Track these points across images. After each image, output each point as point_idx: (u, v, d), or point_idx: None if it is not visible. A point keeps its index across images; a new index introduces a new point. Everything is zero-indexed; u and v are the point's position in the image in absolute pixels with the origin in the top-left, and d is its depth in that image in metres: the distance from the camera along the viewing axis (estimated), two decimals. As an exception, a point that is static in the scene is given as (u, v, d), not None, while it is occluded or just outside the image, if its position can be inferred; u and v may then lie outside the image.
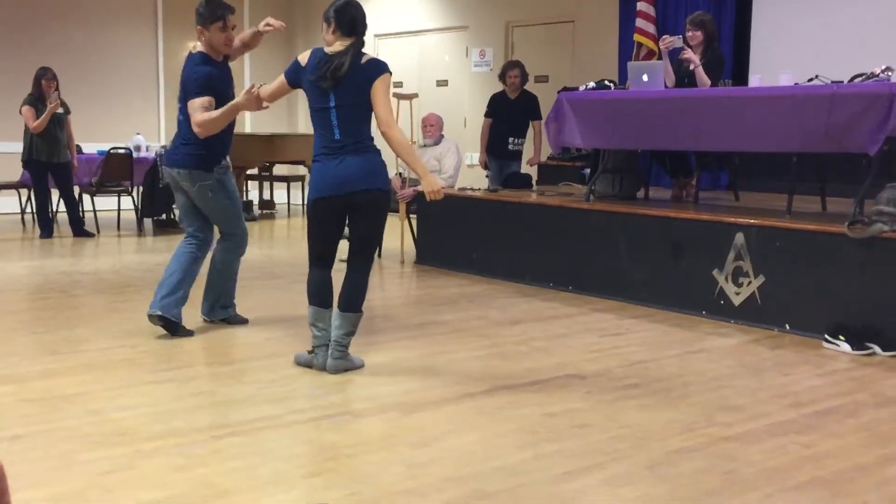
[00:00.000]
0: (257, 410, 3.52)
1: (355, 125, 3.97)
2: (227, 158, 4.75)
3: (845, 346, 4.62)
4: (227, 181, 4.72)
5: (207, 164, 4.60)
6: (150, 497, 2.69)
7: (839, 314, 4.76)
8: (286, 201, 11.90)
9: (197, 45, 4.63)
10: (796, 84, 5.46)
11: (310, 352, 4.13)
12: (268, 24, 4.62)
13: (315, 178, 4.01)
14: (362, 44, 4.02)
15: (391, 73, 4.05)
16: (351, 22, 3.95)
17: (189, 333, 4.65)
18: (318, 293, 4.09)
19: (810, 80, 5.43)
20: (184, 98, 4.58)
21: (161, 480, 2.81)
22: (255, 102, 4.24)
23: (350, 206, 3.99)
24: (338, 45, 3.95)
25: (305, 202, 4.26)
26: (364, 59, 3.97)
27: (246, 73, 12.26)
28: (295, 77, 4.04)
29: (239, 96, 4.30)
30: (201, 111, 4.40)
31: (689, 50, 6.28)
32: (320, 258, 4.12)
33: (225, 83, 4.62)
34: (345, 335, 4.04)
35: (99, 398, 3.63)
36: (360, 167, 3.95)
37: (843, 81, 5.20)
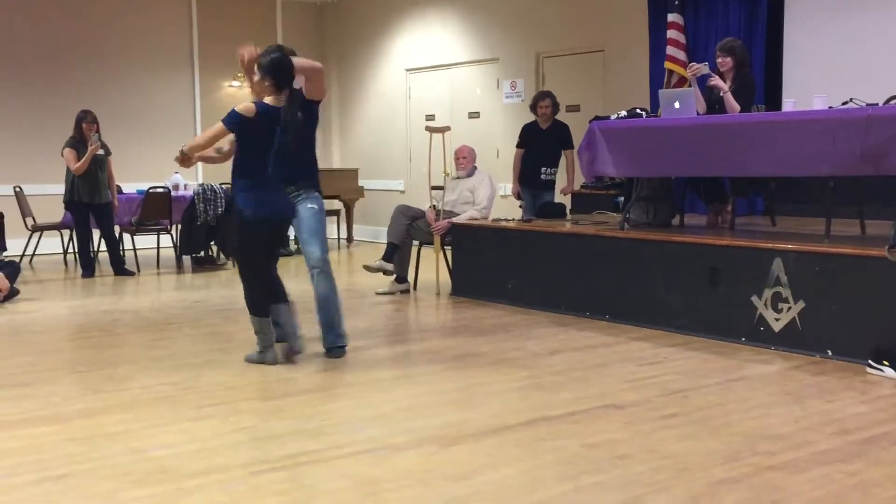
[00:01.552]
0: (297, 446, 3.53)
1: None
2: None
3: (890, 372, 4.54)
4: None
5: None
6: (192, 534, 2.71)
7: (882, 338, 4.68)
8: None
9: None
10: (831, 108, 5.43)
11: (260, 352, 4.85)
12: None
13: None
14: None
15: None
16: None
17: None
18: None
19: (844, 103, 5.39)
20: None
21: (203, 517, 2.83)
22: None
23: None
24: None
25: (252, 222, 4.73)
26: None
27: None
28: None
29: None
30: None
31: (717, 77, 6.28)
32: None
33: None
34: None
35: (141, 436, 3.67)
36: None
37: (878, 104, 5.15)
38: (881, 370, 4.57)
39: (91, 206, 8.69)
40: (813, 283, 5.05)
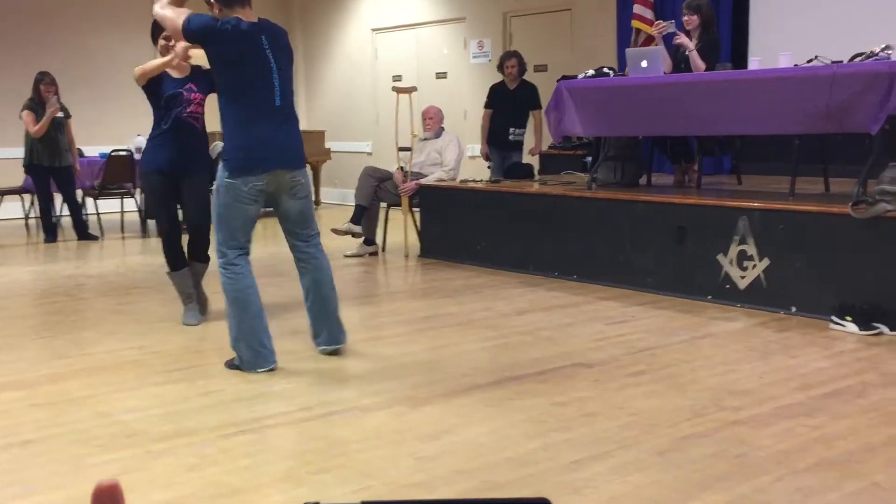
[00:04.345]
0: (266, 408, 3.52)
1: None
2: None
3: (852, 327, 4.61)
4: None
5: None
6: (161, 498, 2.70)
7: (845, 295, 4.75)
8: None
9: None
10: (796, 65, 5.44)
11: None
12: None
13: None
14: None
15: None
16: None
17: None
18: None
19: (810, 61, 5.40)
20: (290, 77, 4.12)
21: (172, 481, 2.82)
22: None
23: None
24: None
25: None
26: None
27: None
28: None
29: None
30: None
31: (683, 34, 6.27)
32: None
33: None
34: None
35: (107, 400, 3.64)
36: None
37: (842, 61, 5.18)
38: (843, 326, 4.65)
39: (51, 169, 8.54)
40: (778, 241, 5.10)
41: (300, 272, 4.21)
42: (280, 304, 5.44)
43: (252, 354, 4.00)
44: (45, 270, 7.08)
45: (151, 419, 3.40)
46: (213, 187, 4.11)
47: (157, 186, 4.94)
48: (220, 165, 3.96)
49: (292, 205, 4.07)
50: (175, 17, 3.88)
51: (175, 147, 4.85)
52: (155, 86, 4.83)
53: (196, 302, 5.11)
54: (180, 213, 5.14)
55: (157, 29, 4.87)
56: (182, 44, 4.54)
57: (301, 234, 4.15)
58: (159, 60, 4.81)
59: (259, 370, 4.00)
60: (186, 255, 5.09)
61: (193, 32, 3.87)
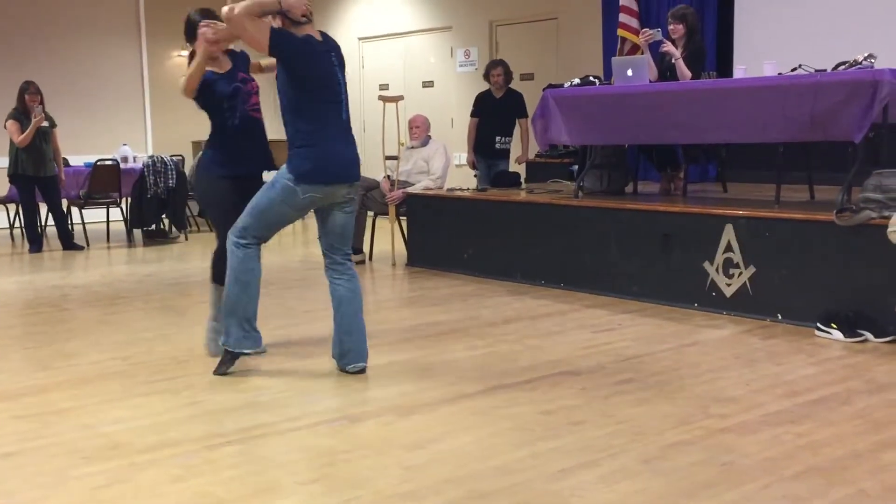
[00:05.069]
0: (252, 418, 3.50)
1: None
2: None
3: (837, 334, 4.63)
4: None
5: None
6: (146, 509, 2.68)
7: (830, 302, 4.77)
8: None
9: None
10: (780, 74, 5.47)
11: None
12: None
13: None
14: None
15: None
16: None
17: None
18: None
19: (794, 69, 5.43)
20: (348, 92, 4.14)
21: (156, 492, 2.80)
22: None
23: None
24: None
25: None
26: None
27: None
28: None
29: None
30: None
31: (669, 43, 6.30)
32: None
33: None
34: None
35: (92, 412, 3.62)
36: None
37: (826, 70, 5.21)
38: (829, 333, 4.66)
39: (36, 179, 8.50)
40: (763, 249, 5.12)
41: (334, 284, 4.17)
42: (271, 314, 5.43)
43: (241, 334, 4.06)
44: (29, 281, 7.04)
45: (136, 430, 3.38)
46: (269, 181, 4.10)
47: (229, 193, 4.34)
48: (285, 166, 4.00)
49: (340, 218, 4.11)
50: (256, 29, 3.82)
51: (248, 146, 4.41)
52: (208, 92, 4.30)
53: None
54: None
55: (190, 28, 4.39)
56: (207, 30, 4.19)
57: (340, 249, 4.17)
58: (195, 61, 4.27)
59: (245, 350, 4.08)
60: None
61: (279, 46, 3.85)
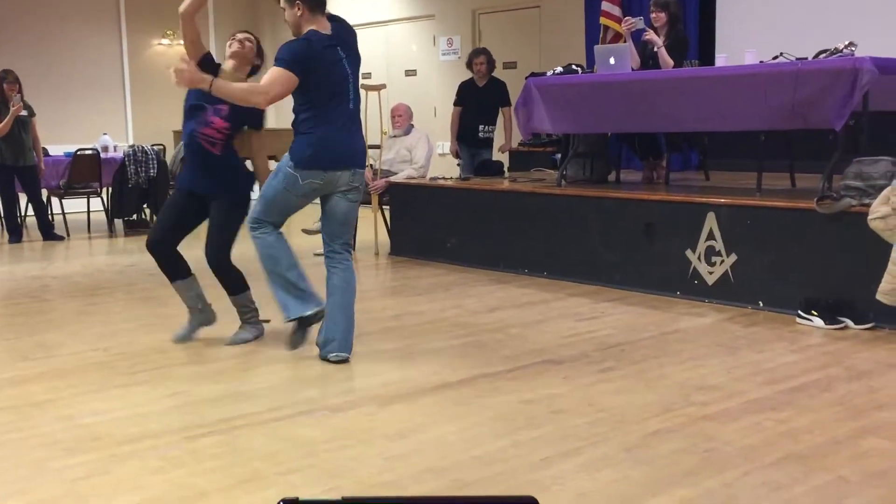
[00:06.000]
0: (233, 409, 3.49)
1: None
2: None
3: (818, 322, 4.65)
4: None
5: None
6: (126, 501, 2.66)
7: (811, 289, 4.79)
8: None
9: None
10: (761, 62, 5.48)
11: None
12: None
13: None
14: None
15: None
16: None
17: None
18: None
19: (775, 57, 5.44)
20: (358, 79, 4.24)
21: (137, 484, 2.78)
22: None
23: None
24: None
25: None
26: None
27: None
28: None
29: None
30: None
31: (651, 31, 6.30)
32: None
33: None
34: None
35: (71, 403, 3.59)
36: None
37: (807, 58, 5.22)
38: (810, 320, 4.69)
39: (16, 168, 8.41)
40: (745, 237, 5.13)
41: (330, 271, 4.19)
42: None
43: (292, 299, 4.09)
44: (9, 271, 6.97)
45: (116, 421, 3.35)
46: (274, 169, 4.16)
47: (178, 198, 4.47)
48: (287, 154, 4.05)
49: (342, 206, 4.12)
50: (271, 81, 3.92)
51: (193, 163, 4.41)
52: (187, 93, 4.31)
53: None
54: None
55: None
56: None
57: (340, 237, 4.19)
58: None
59: (307, 313, 4.09)
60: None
61: (290, 66, 3.90)
